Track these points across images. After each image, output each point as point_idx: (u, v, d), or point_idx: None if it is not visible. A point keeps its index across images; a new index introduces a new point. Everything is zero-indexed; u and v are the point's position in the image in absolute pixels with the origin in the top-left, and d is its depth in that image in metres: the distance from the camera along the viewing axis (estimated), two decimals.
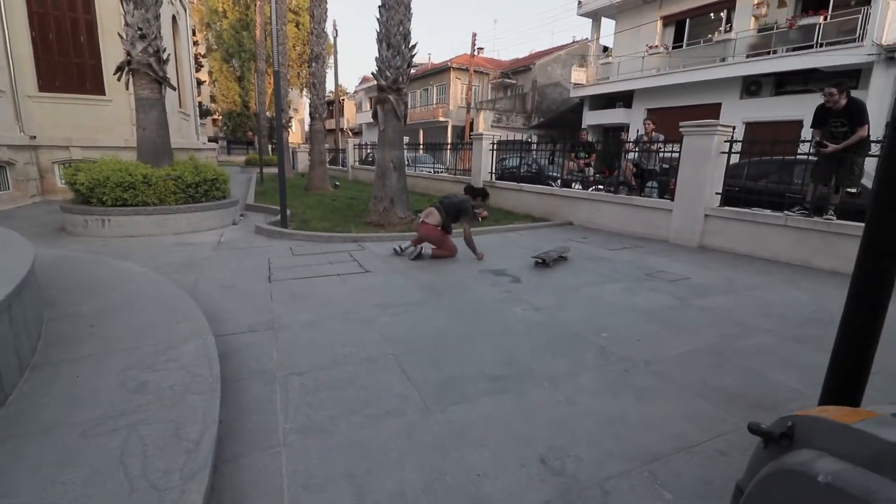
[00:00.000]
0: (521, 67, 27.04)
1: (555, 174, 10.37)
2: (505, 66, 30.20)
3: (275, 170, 21.01)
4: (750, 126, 13.25)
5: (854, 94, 11.16)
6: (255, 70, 25.63)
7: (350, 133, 43.75)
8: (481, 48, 32.81)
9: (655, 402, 2.13)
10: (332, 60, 39.45)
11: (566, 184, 8.72)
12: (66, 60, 9.40)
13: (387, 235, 6.19)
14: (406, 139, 14.28)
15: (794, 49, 12.16)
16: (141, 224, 6.05)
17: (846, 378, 1.80)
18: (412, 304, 3.45)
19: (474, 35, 24.11)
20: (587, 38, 20.68)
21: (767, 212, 5.33)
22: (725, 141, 5.65)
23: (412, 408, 2.02)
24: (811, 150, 4.96)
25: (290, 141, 24.72)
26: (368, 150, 19.54)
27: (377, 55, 6.87)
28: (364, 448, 1.74)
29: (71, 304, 2.78)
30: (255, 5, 25.61)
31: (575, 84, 18.50)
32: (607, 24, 18.45)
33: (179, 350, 2.22)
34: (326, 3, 11.69)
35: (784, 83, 12.93)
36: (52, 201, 9.04)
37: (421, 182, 13.04)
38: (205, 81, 41.85)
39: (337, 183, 13.66)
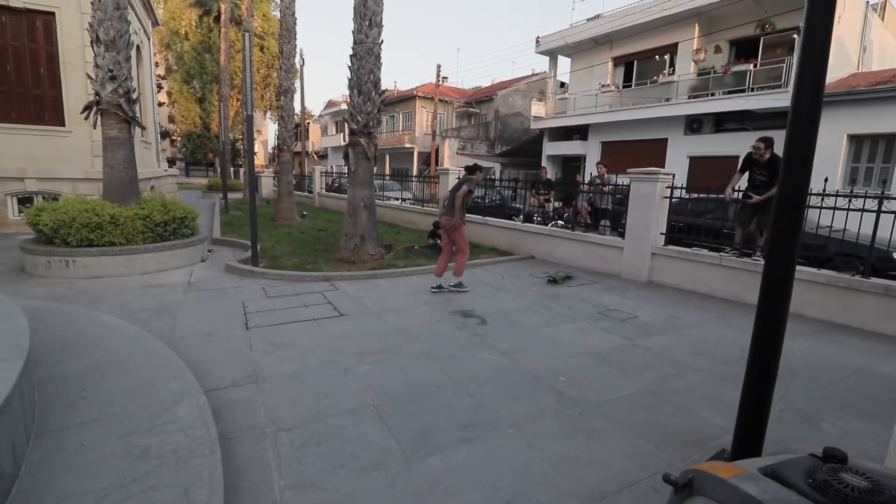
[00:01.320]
0: (484, 97, 28.13)
1: (517, 205, 10.93)
2: (468, 94, 31.30)
3: (239, 195, 20.85)
4: (693, 160, 14.46)
5: (780, 133, 12.49)
6: (219, 94, 25.38)
7: (315, 157, 43.66)
8: (446, 77, 33.89)
9: (604, 443, 2.48)
10: (298, 86, 39.53)
11: (528, 218, 9.24)
12: (25, 91, 9.20)
13: (358, 273, 6.41)
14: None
15: (730, 92, 13.45)
16: (107, 265, 6.00)
17: (750, 422, 2.21)
18: (388, 350, 3.70)
19: (439, 66, 25.01)
20: (545, 73, 21.90)
21: (705, 251, 5.96)
22: (667, 187, 6.29)
23: (394, 459, 2.27)
24: (738, 198, 5.69)
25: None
26: (334, 177, 19.73)
27: (349, 101, 7.21)
28: (354, 501, 1.98)
29: (56, 363, 2.87)
30: (220, 31, 25.58)
31: (535, 117, 19.50)
32: (564, 62, 19.69)
33: (174, 412, 2.38)
34: (295, 38, 11.99)
35: (722, 122, 14.22)
36: (3, 234, 8.71)
37: (388, 213, 13.33)
38: (164, 103, 40.89)
39: (304, 213, 13.74)
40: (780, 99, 12.13)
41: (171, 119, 42.71)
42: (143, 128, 8.62)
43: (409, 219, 12.34)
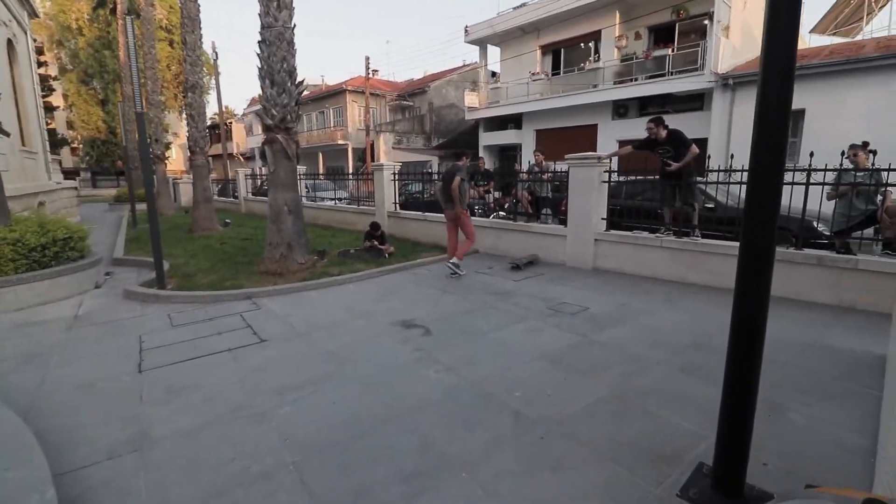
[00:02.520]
0: (416, 90, 27.56)
1: None
2: (401, 87, 30.58)
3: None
4: (622, 143, 14.85)
5: (700, 114, 13.01)
6: (122, 94, 22.87)
7: (241, 158, 40.96)
8: (376, 70, 32.96)
9: (573, 475, 2.12)
10: (214, 82, 36.77)
11: (468, 211, 8.89)
12: None
13: (285, 287, 5.72)
14: (303, 169, 13.64)
15: (651, 77, 13.90)
16: None
17: (734, 434, 1.93)
18: (316, 381, 3.15)
19: (367, 59, 24.08)
20: (476, 63, 21.73)
21: (646, 234, 5.89)
22: (604, 171, 6.16)
23: None
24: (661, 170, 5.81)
25: (167, 172, 22.31)
26: (263, 179, 18.33)
27: (261, 93, 6.42)
28: None
29: None
30: (118, 24, 23.00)
31: (469, 107, 19.28)
32: (494, 51, 19.57)
33: None
34: (200, 28, 10.78)
35: (646, 106, 14.69)
36: None
37: (323, 214, 12.52)
38: (59, 106, 36.44)
39: (227, 220, 12.55)
40: (698, 82, 12.69)
41: (71, 125, 38.28)
42: (7, 134, 7.24)
43: (344, 219, 11.62)
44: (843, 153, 4.75)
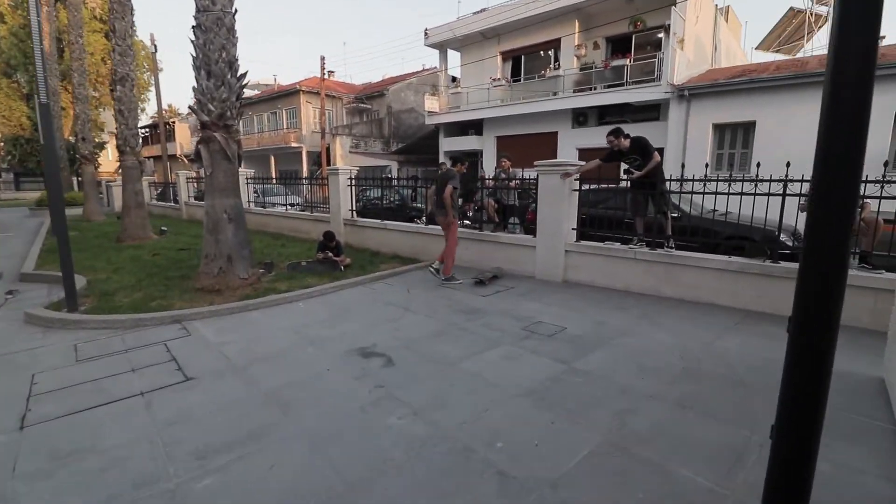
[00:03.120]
0: (374, 92, 26.87)
1: (420, 205, 10.05)
2: (358, 90, 29.76)
3: (80, 211, 16.85)
4: (582, 152, 14.90)
5: (656, 124, 13.22)
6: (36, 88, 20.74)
7: (185, 160, 38.50)
8: (332, 71, 31.92)
9: None
10: (151, 79, 34.53)
11: (431, 220, 8.41)
12: None
13: (224, 307, 4.99)
14: (249, 172, 12.67)
15: (610, 86, 14.03)
16: None
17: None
18: (251, 436, 2.53)
19: (323, 58, 23.16)
20: (437, 68, 21.39)
21: (618, 245, 5.63)
22: (575, 179, 5.87)
23: None
24: (625, 178, 5.68)
25: (99, 174, 20.52)
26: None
27: (195, 85, 5.66)
28: None
29: None
30: (43, 10, 20.93)
31: (429, 112, 18.86)
32: (454, 56, 19.30)
33: None
34: (132, 14, 9.70)
35: (605, 115, 14.83)
36: None
37: (273, 221, 11.64)
38: None
39: (164, 228, 11.38)
40: (654, 92, 12.90)
41: None
42: None
43: (296, 227, 10.81)
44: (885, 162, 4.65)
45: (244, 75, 5.96)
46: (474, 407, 2.79)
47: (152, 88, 32.98)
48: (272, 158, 29.01)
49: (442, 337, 4.04)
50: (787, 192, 4.44)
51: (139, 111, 37.42)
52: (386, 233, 8.41)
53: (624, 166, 5.71)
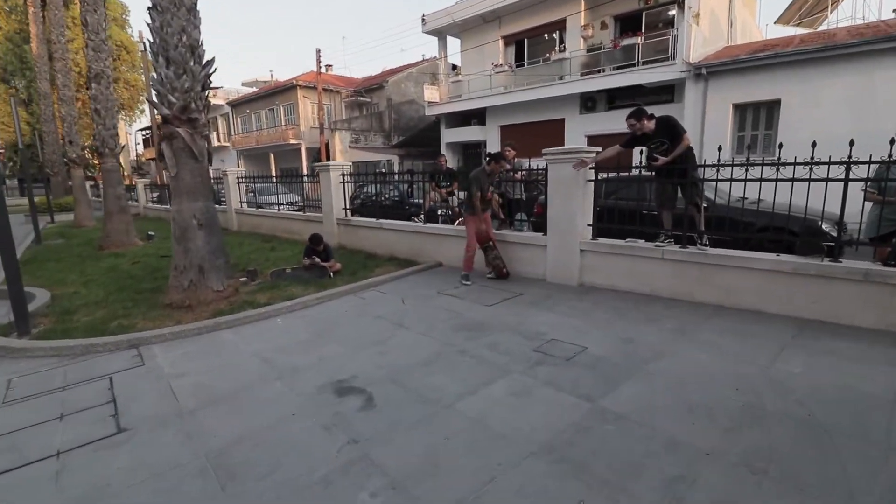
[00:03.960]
0: (373, 85, 26.10)
1: (419, 201, 9.35)
2: (358, 83, 28.99)
3: (72, 216, 16.33)
4: (591, 139, 14.06)
5: (671, 106, 12.35)
6: (37, 92, 20.36)
7: None
8: (330, 65, 31.20)
9: None
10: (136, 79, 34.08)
11: (431, 217, 7.72)
12: None
13: (191, 327, 4.35)
14: (237, 170, 12.01)
15: (620, 67, 13.15)
16: None
17: None
18: None
19: (318, 51, 22.44)
20: (436, 57, 20.56)
21: (642, 243, 4.89)
22: (591, 168, 5.13)
23: None
24: (643, 165, 4.85)
25: (98, 177, 20.09)
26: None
27: (154, 74, 4.99)
28: None
29: None
30: (30, 11, 20.46)
31: (429, 102, 18.09)
32: (454, 43, 18.46)
33: None
34: (104, 6, 9.05)
35: (614, 99, 13.96)
36: None
37: (265, 222, 11.02)
38: None
39: (151, 233, 10.79)
40: (669, 72, 12.02)
41: None
42: None
43: (289, 228, 10.17)
44: (892, 140, 3.87)
45: (210, 62, 5.28)
46: (475, 474, 2.11)
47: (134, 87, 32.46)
48: (271, 156, 28.44)
49: (437, 363, 3.36)
50: (831, 176, 3.66)
51: (138, 112, 37.03)
52: (381, 233, 7.73)
53: (642, 150, 4.93)
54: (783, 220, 4.27)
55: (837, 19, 14.15)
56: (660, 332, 3.75)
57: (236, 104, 32.08)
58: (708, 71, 11.21)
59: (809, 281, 3.83)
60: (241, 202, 12.11)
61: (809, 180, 3.75)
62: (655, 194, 4.89)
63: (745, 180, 4.10)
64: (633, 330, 3.82)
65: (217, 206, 13.27)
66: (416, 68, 26.03)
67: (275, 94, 28.19)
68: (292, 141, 26.18)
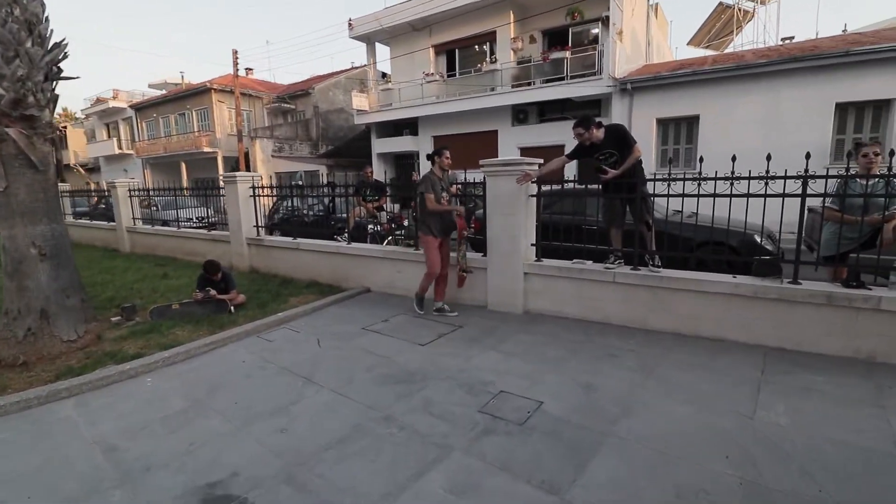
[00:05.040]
0: (298, 91, 24.60)
1: (343, 214, 8.42)
2: (282, 89, 27.25)
3: None
4: (524, 151, 13.95)
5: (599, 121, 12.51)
6: None
7: (81, 170, 33.66)
8: (250, 69, 29.12)
9: None
10: None
11: (358, 235, 6.84)
12: None
13: (11, 400, 3.13)
14: (128, 181, 10.30)
15: (549, 80, 13.17)
16: None
17: None
18: None
19: (235, 52, 20.62)
20: (366, 64, 19.70)
21: (590, 264, 4.41)
22: (533, 182, 4.59)
23: None
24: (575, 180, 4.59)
25: None
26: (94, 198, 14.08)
27: None
28: None
29: None
30: None
31: (358, 110, 17.16)
32: (383, 50, 17.75)
33: None
34: None
35: (545, 111, 13.98)
36: None
37: (164, 242, 9.47)
38: None
39: None
40: (596, 87, 12.17)
41: None
42: None
43: (192, 249, 8.75)
44: (849, 153, 3.70)
45: (60, 46, 4.09)
46: None
47: None
48: (183, 165, 25.74)
49: (354, 443, 2.53)
50: (769, 191, 3.42)
51: None
52: (299, 254, 6.71)
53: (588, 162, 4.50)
54: (721, 235, 4.13)
55: (742, 42, 15.45)
56: (622, 372, 3.22)
57: (141, 108, 28.84)
58: (633, 86, 11.46)
59: (770, 305, 3.51)
60: (133, 219, 10.38)
61: (750, 195, 3.45)
62: (603, 211, 4.46)
63: (683, 196, 3.81)
64: (592, 371, 3.25)
65: (106, 223, 11.46)
66: (344, 75, 24.96)
67: (186, 97, 25.62)
68: (206, 149, 23.84)
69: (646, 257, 4.17)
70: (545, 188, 4.68)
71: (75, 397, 3.28)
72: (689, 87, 10.90)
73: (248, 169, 22.20)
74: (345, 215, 7.65)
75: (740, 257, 4.30)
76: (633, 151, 4.09)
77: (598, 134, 4.19)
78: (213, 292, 5.08)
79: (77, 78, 4.22)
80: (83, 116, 36.49)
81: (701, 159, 3.83)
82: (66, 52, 4.10)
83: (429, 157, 4.73)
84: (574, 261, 4.50)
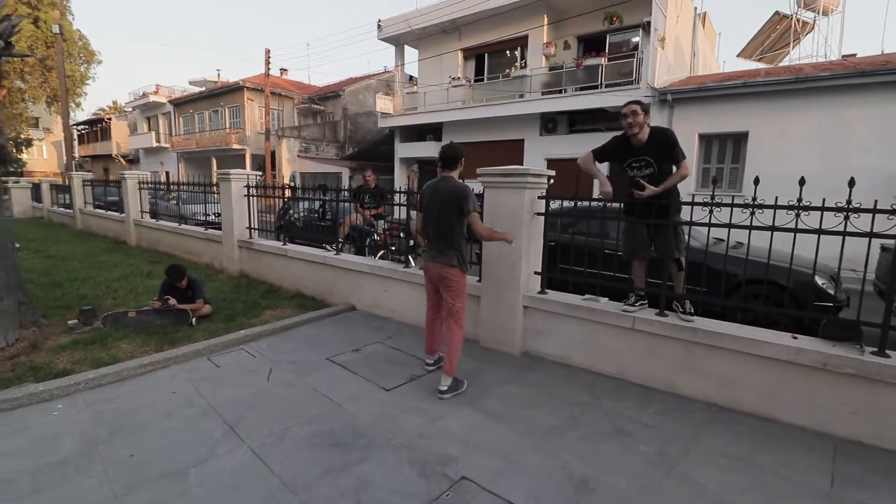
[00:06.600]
0: (329, 93, 24.55)
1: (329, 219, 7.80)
2: (313, 90, 27.35)
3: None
4: (550, 162, 13.11)
5: None
6: None
7: (122, 160, 34.88)
8: (285, 69, 29.44)
9: None
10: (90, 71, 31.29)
11: (357, 247, 6.22)
12: None
13: None
14: (138, 174, 10.05)
15: (582, 88, 12.32)
16: None
17: None
18: None
19: (267, 51, 20.71)
20: (396, 66, 19.34)
21: (605, 302, 3.59)
22: (541, 197, 3.82)
23: None
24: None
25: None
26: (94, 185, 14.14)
27: None
28: None
29: None
30: None
31: (382, 113, 16.73)
32: (412, 54, 17.32)
33: None
34: None
35: (576, 121, 13.12)
36: None
37: (166, 238, 9.14)
38: None
39: (16, 244, 8.63)
40: (633, 96, 11.25)
41: None
42: None
43: (190, 247, 8.36)
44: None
45: (9, 19, 3.63)
46: None
47: (90, 81, 29.68)
48: (213, 161, 26.13)
49: None
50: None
51: (75, 106, 33.88)
52: (287, 261, 6.13)
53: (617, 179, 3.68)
54: (772, 274, 3.32)
55: (799, 56, 14.17)
56: (632, 462, 2.39)
57: (178, 103, 29.60)
58: (674, 97, 10.48)
59: (844, 383, 2.61)
60: (140, 212, 10.15)
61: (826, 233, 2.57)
62: (625, 238, 3.63)
63: (730, 226, 2.97)
64: (592, 456, 2.44)
65: (116, 214, 11.33)
66: (375, 79, 24.76)
67: (220, 94, 26.06)
68: (235, 146, 24.07)
69: (674, 303, 3.32)
70: (554, 205, 3.90)
71: None
72: (739, 101, 9.83)
73: (273, 167, 22.20)
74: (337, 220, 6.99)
75: (800, 311, 3.38)
76: (681, 168, 3.26)
77: (644, 133, 3.34)
78: (171, 301, 4.52)
79: (31, 55, 3.75)
80: (127, 109, 37.95)
81: (756, 180, 2.97)
82: (13, 25, 3.64)
83: (446, 162, 3.25)
84: (585, 296, 3.69)
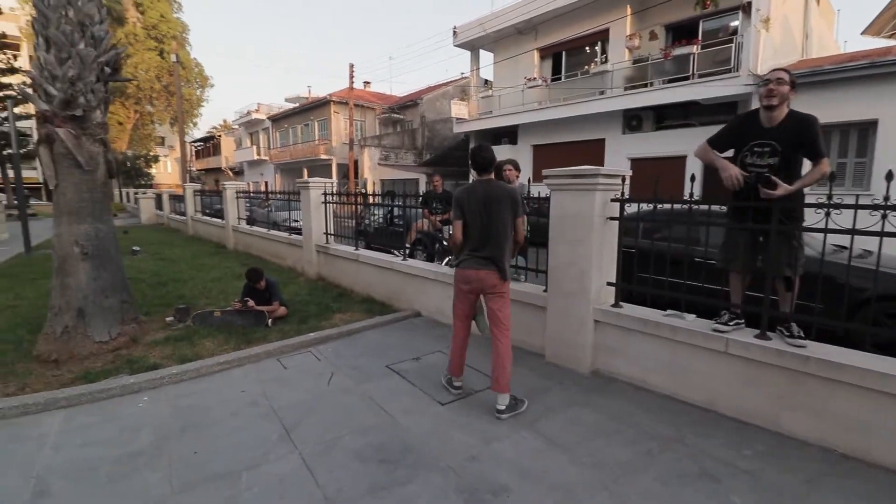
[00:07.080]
0: (408, 102, 25.33)
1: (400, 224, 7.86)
2: (394, 101, 28.42)
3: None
4: (634, 162, 12.21)
5: None
6: None
7: (230, 173, 39.01)
8: (368, 82, 30.96)
9: None
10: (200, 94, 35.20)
11: (430, 253, 6.23)
12: None
13: (12, 404, 3.01)
14: (236, 185, 11.04)
15: (671, 81, 11.32)
16: None
17: None
18: None
19: (351, 66, 21.89)
20: (471, 71, 19.40)
21: (690, 319, 3.14)
22: (614, 199, 3.47)
23: None
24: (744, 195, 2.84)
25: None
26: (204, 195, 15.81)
27: (33, 62, 3.87)
28: None
29: None
30: None
31: (457, 119, 16.83)
32: (487, 58, 17.22)
33: None
34: None
35: (663, 117, 12.09)
36: None
37: (257, 243, 9.95)
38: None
39: (136, 248, 9.96)
40: (731, 86, 10.07)
41: None
42: None
43: (277, 252, 8.99)
44: None
45: (113, 49, 4.11)
46: None
47: (205, 103, 33.72)
48: (305, 171, 28.18)
49: None
50: None
51: (192, 125, 38.60)
52: (358, 266, 6.30)
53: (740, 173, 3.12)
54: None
55: None
56: None
57: (276, 119, 32.43)
58: None
59: None
60: (238, 219, 11.16)
61: None
62: (724, 243, 3.11)
63: (853, 233, 2.41)
64: (671, 501, 2.09)
65: (219, 220, 12.60)
66: (452, 85, 25.06)
67: (310, 109, 28.07)
68: (323, 156, 25.74)
69: (778, 326, 2.79)
70: (629, 208, 3.51)
71: (68, 409, 3.08)
72: (864, 85, 8.37)
73: (356, 175, 23.38)
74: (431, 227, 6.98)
75: None
76: (821, 164, 2.67)
77: (782, 112, 2.77)
78: (250, 302, 4.82)
79: (133, 80, 4.22)
80: (233, 126, 42.47)
81: (890, 175, 2.38)
82: (118, 52, 4.11)
83: (484, 165, 3.02)
84: (667, 312, 3.26)
